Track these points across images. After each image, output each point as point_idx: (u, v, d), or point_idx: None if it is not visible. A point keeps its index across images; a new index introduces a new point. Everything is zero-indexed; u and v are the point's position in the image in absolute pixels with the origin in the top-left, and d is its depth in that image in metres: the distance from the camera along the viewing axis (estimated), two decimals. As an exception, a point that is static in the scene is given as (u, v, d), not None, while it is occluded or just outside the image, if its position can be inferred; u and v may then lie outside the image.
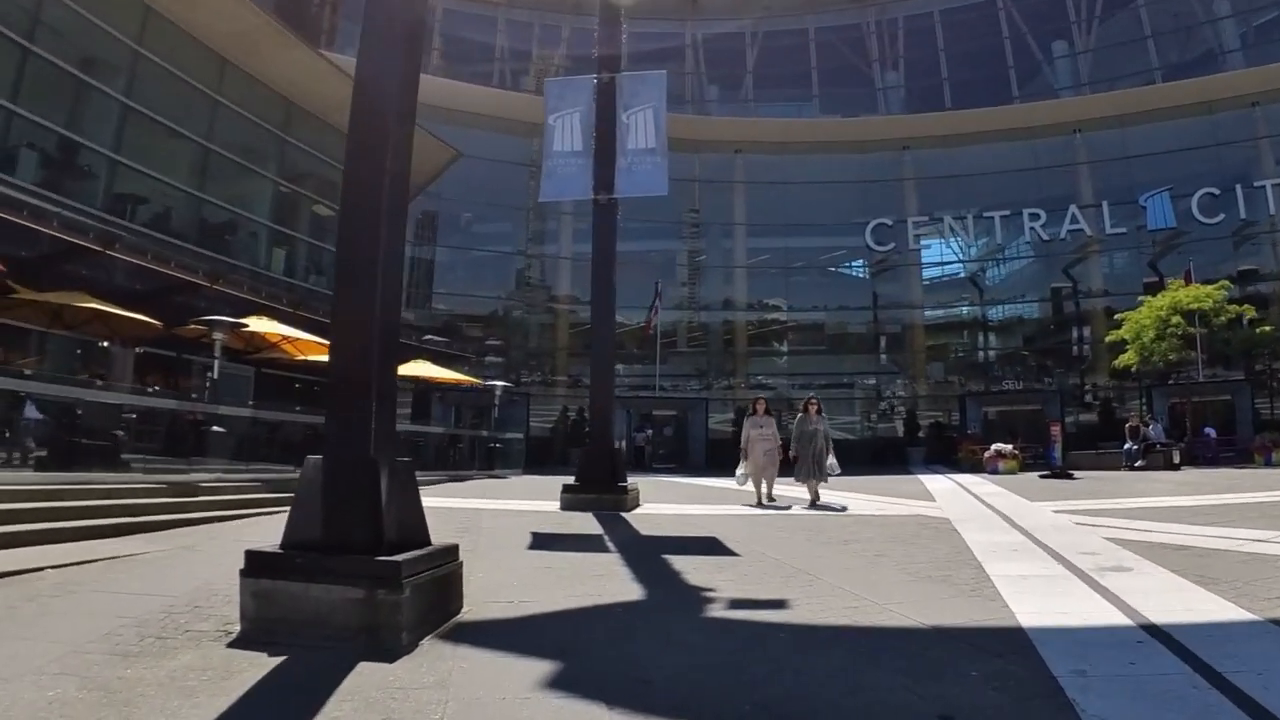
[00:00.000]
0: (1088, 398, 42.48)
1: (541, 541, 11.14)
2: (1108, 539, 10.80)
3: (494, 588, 7.92)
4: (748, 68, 49.45)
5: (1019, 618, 6.61)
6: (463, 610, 6.93)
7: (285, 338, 20.92)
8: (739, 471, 16.58)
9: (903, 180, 46.48)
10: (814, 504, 15.57)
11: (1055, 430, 26.11)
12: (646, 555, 9.94)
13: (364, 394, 6.71)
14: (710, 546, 10.63)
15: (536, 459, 36.88)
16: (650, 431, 41.69)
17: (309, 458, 6.82)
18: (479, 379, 31.37)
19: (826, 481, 16.34)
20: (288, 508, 14.11)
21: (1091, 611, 6.85)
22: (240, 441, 16.54)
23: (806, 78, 49.17)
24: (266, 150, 28.97)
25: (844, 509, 14.98)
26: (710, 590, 7.79)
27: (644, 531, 12.24)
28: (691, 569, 8.84)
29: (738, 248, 47.94)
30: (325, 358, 22.05)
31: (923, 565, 9.15)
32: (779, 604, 7.26)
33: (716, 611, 7.09)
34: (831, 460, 16.30)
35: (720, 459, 39.44)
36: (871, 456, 41.12)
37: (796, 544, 10.91)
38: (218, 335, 17.69)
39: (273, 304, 23.43)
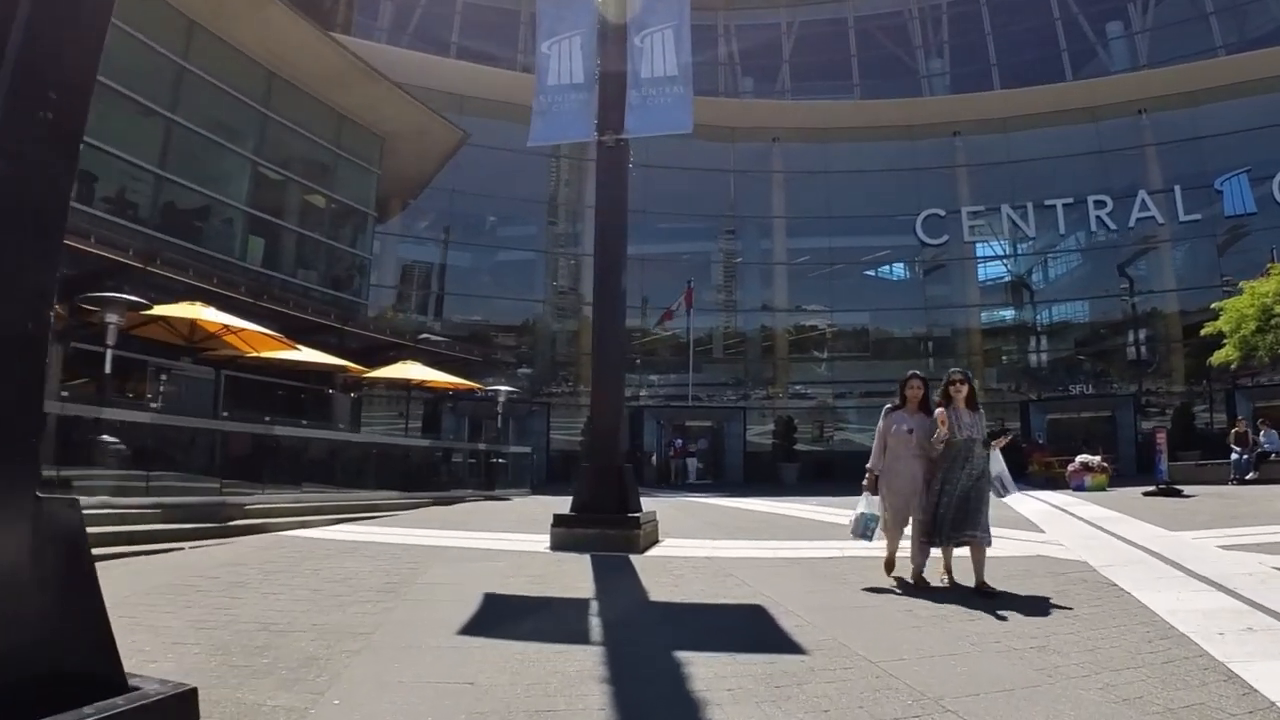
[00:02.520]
0: (1143, 400, 38.30)
1: (491, 616, 7.23)
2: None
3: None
4: (784, 58, 45.85)
5: None
6: None
7: (228, 328, 17.16)
8: (861, 509, 9.06)
9: (955, 168, 42.71)
10: (970, 587, 8.37)
11: (1161, 439, 21.98)
12: (650, 652, 5.96)
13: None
14: (757, 630, 6.67)
15: (558, 475, 33.85)
16: (680, 443, 37.73)
17: None
18: (479, 383, 27.44)
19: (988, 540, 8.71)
20: (193, 543, 10.13)
21: None
22: (139, 456, 12.80)
23: (846, 67, 45.56)
24: (231, 119, 25.40)
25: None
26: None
27: (656, 594, 8.24)
28: (726, 694, 4.85)
29: (777, 246, 44.20)
30: (287, 354, 18.63)
31: (1132, 675, 5.17)
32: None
33: None
34: (1003, 474, 9.09)
35: (760, 474, 36.19)
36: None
37: (892, 621, 6.96)
38: (110, 318, 13.97)
39: (227, 291, 19.78)
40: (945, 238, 41.78)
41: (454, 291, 40.66)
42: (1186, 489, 20.97)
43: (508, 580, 8.87)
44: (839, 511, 17.34)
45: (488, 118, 37.77)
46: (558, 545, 11.30)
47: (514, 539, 12.60)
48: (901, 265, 45.40)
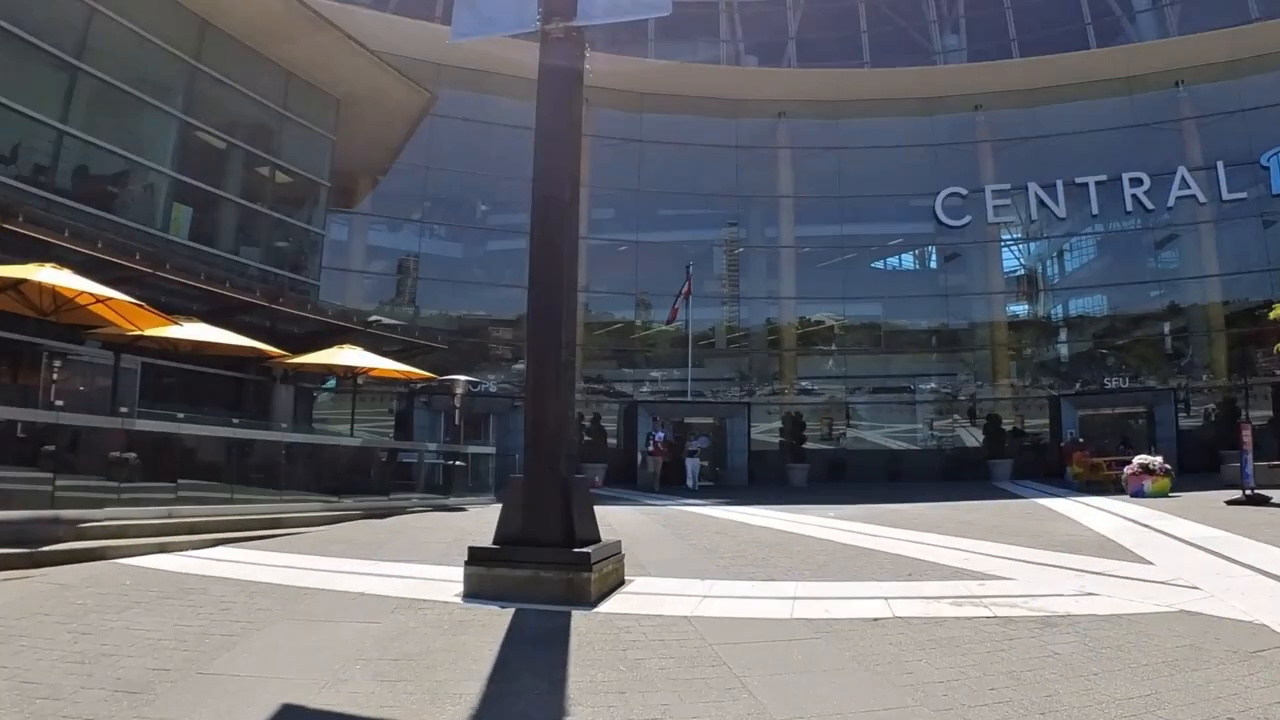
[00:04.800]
0: (1182, 394, 35.28)
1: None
2: None
3: None
4: (790, 34, 42.24)
5: None
6: None
7: (97, 298, 13.58)
8: None
9: (977, 143, 39.15)
10: None
11: (1247, 436, 18.21)
12: None
13: None
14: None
15: None
16: (661, 436, 32.62)
17: None
18: (442, 374, 23.76)
19: None
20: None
21: None
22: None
23: (856, 45, 41.90)
24: (153, 72, 21.96)
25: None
26: None
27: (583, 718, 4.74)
28: None
29: (783, 231, 40.47)
30: (169, 331, 15.10)
31: None
32: None
33: None
34: None
35: (766, 475, 33.29)
36: (944, 472, 34.99)
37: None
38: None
39: (116, 259, 16.21)
40: (967, 219, 38.21)
41: (429, 277, 36.97)
42: (1273, 495, 17.43)
43: (352, 670, 5.38)
44: (866, 529, 13.93)
45: (467, 89, 34.58)
46: (474, 592, 7.79)
47: (426, 575, 9.13)
48: (919, 251, 41.92)
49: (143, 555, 10.37)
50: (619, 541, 8.77)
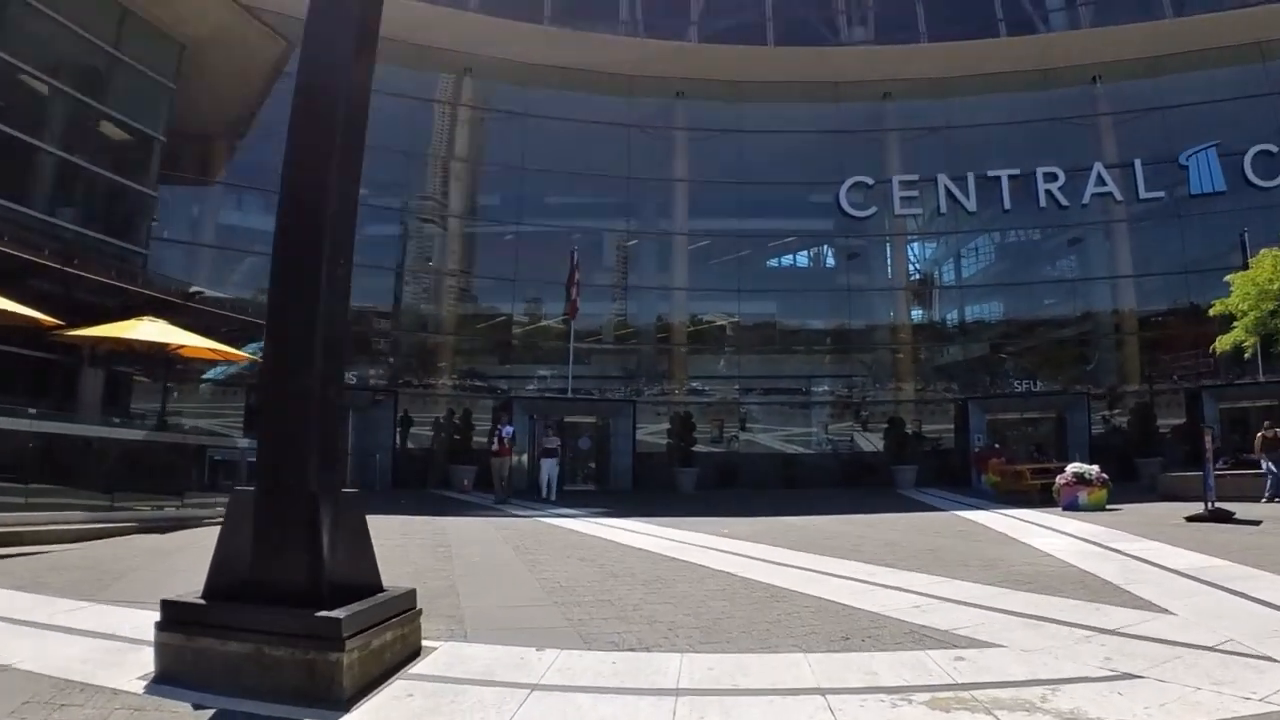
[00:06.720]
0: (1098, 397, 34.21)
1: None
2: None
3: None
4: (692, 19, 39.75)
5: None
6: None
7: None
8: None
9: (885, 132, 37.61)
10: None
11: (1209, 443, 15.93)
12: None
13: None
14: None
15: (405, 479, 29.61)
16: (510, 431, 27.22)
17: None
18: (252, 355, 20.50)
19: None
20: None
21: None
22: None
23: (760, 32, 39.45)
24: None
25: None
26: None
27: None
28: None
29: (677, 220, 37.90)
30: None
31: None
32: None
33: None
34: None
35: (652, 478, 31.05)
36: (843, 477, 33.03)
37: None
38: None
39: None
40: (873, 210, 36.25)
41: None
42: (1235, 509, 15.22)
43: None
44: (770, 555, 11.15)
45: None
46: (167, 673, 4.76)
47: (134, 633, 5.98)
48: (814, 251, 40.23)
49: None
50: (412, 592, 5.68)
